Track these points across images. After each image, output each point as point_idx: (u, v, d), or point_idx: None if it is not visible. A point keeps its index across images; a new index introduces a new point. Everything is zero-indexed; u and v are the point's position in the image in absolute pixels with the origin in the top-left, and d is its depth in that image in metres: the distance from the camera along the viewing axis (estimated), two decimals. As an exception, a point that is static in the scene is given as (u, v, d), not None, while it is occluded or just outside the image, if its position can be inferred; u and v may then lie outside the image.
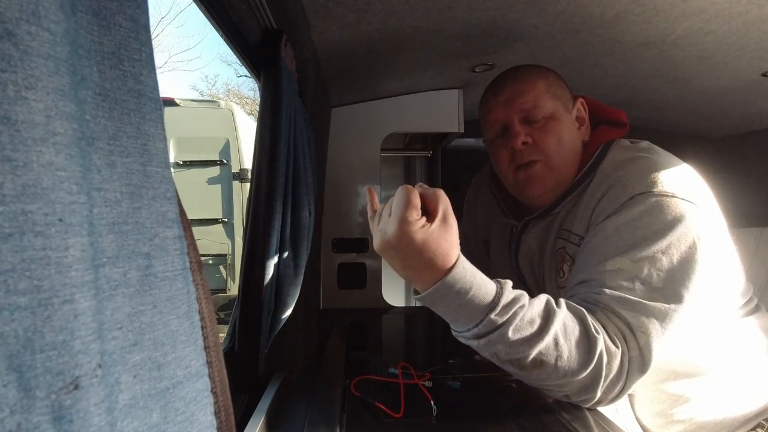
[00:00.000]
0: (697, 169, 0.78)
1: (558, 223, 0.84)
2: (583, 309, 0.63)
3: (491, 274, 0.61)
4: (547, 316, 0.60)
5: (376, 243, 0.57)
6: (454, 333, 0.63)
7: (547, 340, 0.58)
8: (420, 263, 0.55)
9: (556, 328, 0.59)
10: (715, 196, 0.77)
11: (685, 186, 0.71)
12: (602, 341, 0.60)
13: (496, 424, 0.66)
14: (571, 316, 0.62)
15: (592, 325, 0.61)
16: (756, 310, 0.90)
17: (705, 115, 1.61)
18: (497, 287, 0.59)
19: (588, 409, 0.67)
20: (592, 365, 0.60)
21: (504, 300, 0.58)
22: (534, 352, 0.58)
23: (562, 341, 0.59)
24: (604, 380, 0.61)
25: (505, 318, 0.57)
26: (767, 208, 1.68)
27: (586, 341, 0.60)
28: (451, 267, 0.56)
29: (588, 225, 0.76)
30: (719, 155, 1.87)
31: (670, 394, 0.83)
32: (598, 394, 0.62)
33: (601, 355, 0.60)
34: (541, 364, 0.59)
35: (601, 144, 0.81)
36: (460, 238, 0.59)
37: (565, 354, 0.59)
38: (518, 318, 0.58)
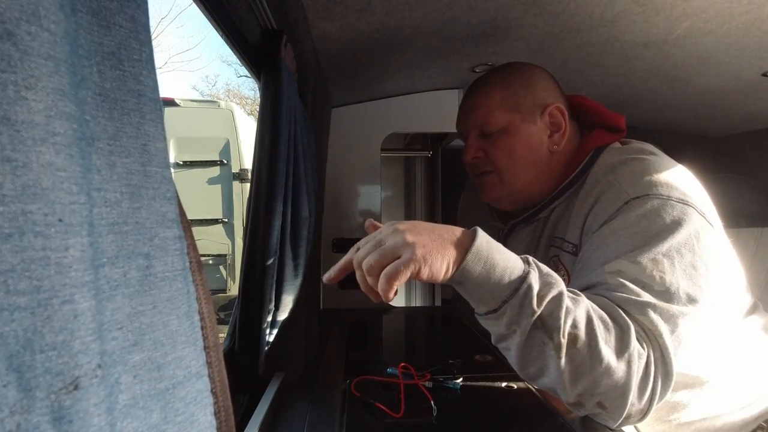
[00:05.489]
0: (698, 169, 0.78)
1: (549, 229, 0.84)
2: (606, 298, 0.61)
3: None
4: (576, 294, 0.58)
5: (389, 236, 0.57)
6: (485, 318, 0.58)
7: (579, 312, 0.56)
8: (438, 227, 0.57)
9: (586, 303, 0.57)
10: (715, 196, 0.77)
11: (680, 187, 0.70)
12: (633, 330, 0.57)
13: (496, 425, 0.66)
14: (594, 303, 0.60)
15: (621, 313, 0.58)
16: (754, 309, 0.89)
17: (705, 115, 1.61)
18: (526, 258, 0.59)
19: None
20: (627, 353, 0.56)
21: (536, 263, 0.57)
22: (569, 323, 0.55)
23: (595, 320, 0.56)
24: (636, 380, 0.57)
25: (541, 282, 0.56)
26: (767, 208, 1.68)
27: (618, 327, 0.57)
28: (474, 231, 0.57)
29: (581, 232, 0.75)
30: (719, 155, 1.86)
31: (667, 401, 0.82)
32: (630, 397, 0.57)
33: (634, 346, 0.56)
34: (575, 340, 0.55)
35: (593, 148, 0.81)
36: None
37: (600, 333, 0.56)
38: (555, 287, 0.56)
